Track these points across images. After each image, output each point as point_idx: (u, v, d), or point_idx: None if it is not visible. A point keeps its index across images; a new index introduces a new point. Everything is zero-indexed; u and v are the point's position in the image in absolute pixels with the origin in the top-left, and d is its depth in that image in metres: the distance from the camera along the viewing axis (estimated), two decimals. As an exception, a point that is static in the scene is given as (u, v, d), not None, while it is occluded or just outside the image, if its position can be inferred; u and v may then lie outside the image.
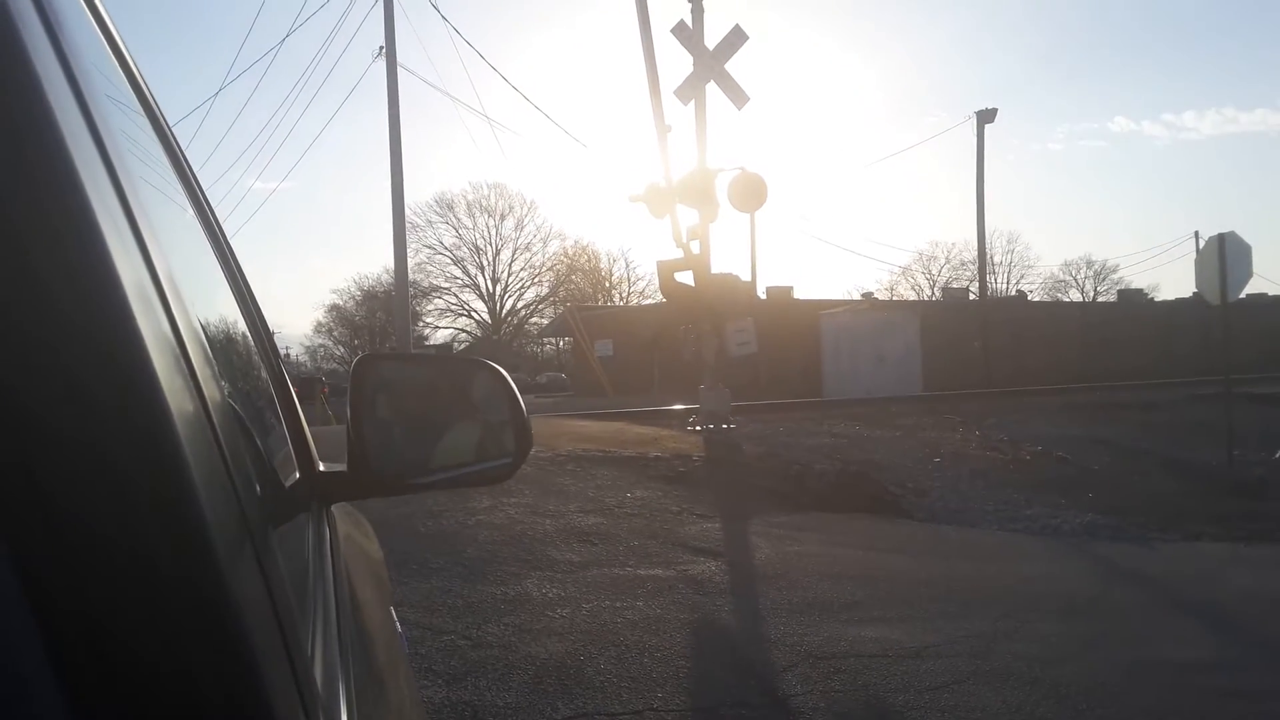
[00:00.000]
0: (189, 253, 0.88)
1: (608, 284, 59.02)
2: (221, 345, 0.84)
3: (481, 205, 56.03)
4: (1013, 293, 52.86)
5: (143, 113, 0.85)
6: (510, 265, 57.06)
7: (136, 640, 0.39)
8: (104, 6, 0.78)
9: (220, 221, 1.25)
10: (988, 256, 32.80)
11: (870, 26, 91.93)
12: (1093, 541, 7.99)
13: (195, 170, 1.16)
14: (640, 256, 58.57)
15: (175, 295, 0.55)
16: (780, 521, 7.77)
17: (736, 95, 12.64)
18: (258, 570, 0.52)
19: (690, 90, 12.68)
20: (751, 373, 23.05)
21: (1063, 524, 8.71)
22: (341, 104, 55.33)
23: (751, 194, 12.65)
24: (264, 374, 1.24)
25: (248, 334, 1.17)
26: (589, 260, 59.18)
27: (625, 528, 6.86)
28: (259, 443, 0.84)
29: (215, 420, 0.54)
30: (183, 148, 1.11)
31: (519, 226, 56.89)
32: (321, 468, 1.32)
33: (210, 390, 0.56)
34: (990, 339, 29.18)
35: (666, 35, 12.55)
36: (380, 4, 20.25)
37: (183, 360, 0.51)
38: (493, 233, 56.29)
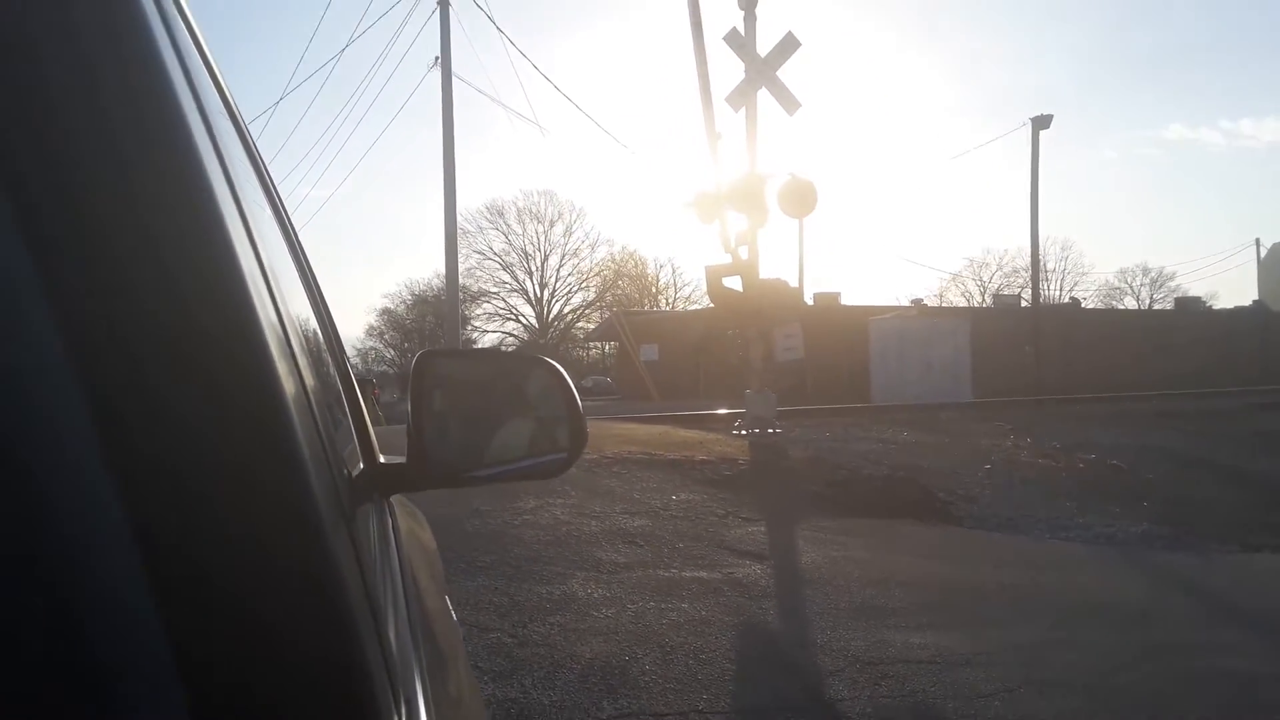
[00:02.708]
0: (275, 250, 0.92)
1: (654, 289, 59.08)
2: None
3: (531, 211, 56.43)
4: (1065, 300, 51.82)
5: (228, 117, 0.90)
6: (558, 270, 57.41)
7: (250, 607, 0.42)
8: (193, 16, 0.82)
9: (293, 221, 1.30)
10: (1040, 264, 32.20)
11: (923, 31, 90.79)
12: (1148, 551, 7.83)
13: (268, 170, 1.21)
14: (686, 262, 58.56)
15: (277, 289, 0.59)
16: (826, 526, 7.73)
17: (788, 102, 12.60)
18: (352, 550, 0.55)
19: (741, 97, 12.67)
20: (798, 378, 22.94)
21: (1117, 533, 8.54)
22: (395, 115, 56.17)
23: (801, 200, 12.60)
24: (332, 370, 1.29)
25: (318, 330, 1.21)
26: (636, 266, 59.35)
27: (670, 530, 6.87)
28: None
29: (315, 408, 0.57)
30: (259, 149, 1.16)
31: (568, 232, 57.22)
32: (382, 460, 1.36)
33: (308, 379, 0.59)
34: (1042, 345, 28.62)
35: (717, 41, 12.58)
36: (437, 15, 20.57)
37: (287, 349, 0.55)
38: (541, 238, 56.67)
